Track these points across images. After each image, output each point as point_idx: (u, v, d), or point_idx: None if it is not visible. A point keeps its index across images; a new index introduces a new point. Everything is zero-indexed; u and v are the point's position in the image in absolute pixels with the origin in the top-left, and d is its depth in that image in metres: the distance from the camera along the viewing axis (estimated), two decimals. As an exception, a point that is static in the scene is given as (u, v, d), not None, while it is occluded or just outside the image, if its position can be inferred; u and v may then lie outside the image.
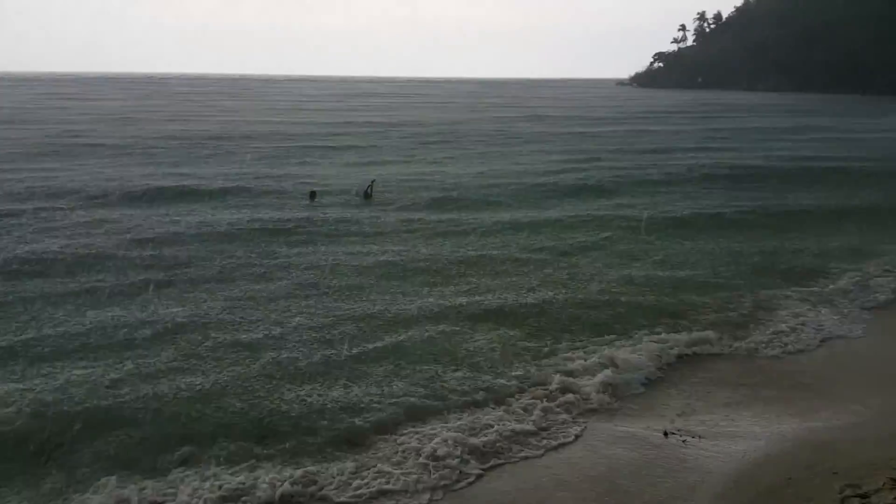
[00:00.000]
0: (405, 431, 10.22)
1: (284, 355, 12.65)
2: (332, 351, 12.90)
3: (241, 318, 14.59)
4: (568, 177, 34.76)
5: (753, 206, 27.72)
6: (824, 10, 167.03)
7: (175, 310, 14.92)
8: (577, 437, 10.26)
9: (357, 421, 10.38)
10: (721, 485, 8.88)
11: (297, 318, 14.61)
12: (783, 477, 8.89)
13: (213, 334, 13.60)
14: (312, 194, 28.68)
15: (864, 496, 8.12)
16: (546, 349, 13.27)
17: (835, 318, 15.24)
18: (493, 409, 10.96)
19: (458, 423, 10.43)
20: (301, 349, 12.99)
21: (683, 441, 10.03)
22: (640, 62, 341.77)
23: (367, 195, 29.01)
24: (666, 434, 10.22)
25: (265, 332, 13.77)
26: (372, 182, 29.85)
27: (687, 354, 13.21)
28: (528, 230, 23.29)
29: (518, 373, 12.19)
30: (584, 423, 10.67)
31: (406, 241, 21.75)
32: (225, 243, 20.84)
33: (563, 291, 16.64)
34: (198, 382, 11.53)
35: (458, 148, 48.17)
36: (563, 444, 10.06)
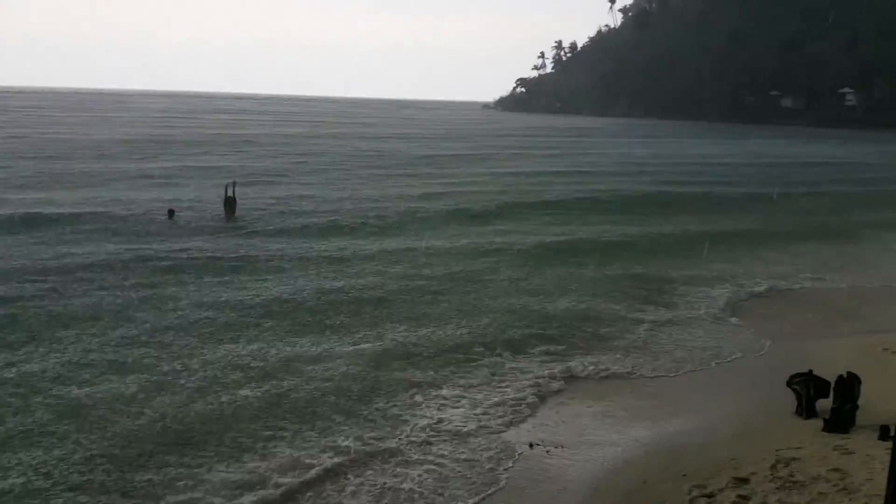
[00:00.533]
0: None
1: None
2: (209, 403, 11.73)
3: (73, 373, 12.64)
4: (445, 201, 34.70)
5: (624, 232, 28.55)
6: (667, 42, 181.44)
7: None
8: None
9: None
10: (582, 493, 9.18)
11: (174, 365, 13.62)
12: (639, 481, 9.33)
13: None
14: (171, 212, 27.45)
15: (710, 496, 8.66)
16: (434, 375, 13.33)
17: (691, 333, 16.30)
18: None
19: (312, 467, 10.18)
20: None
21: (547, 451, 10.32)
22: (504, 86, 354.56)
23: (230, 201, 28.13)
24: (531, 445, 10.48)
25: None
26: (233, 184, 28.79)
27: (560, 376, 13.55)
28: (407, 259, 22.52)
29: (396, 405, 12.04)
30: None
31: (282, 272, 20.31)
32: (77, 277, 18.67)
33: (451, 321, 16.33)
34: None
35: (334, 169, 47.57)
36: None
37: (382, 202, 33.31)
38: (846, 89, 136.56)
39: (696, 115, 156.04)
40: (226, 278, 19.27)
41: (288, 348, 14.14)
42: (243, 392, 11.99)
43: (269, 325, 15.55)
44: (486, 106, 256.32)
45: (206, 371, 12.76)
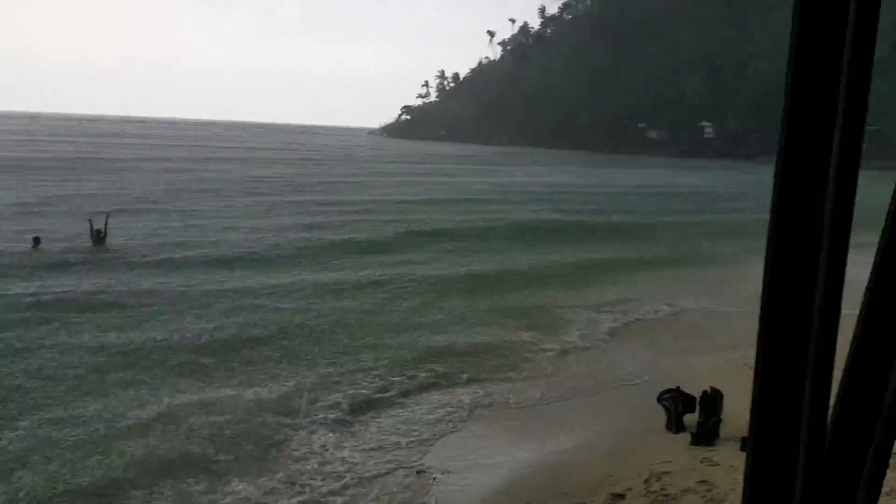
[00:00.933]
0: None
1: None
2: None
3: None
4: (336, 231, 34.19)
5: (514, 261, 28.99)
6: (545, 75, 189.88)
7: None
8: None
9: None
10: (469, 519, 9.30)
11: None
12: (522, 502, 9.55)
13: None
14: (36, 241, 25.82)
15: (588, 513, 9.01)
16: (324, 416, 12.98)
17: (576, 358, 16.92)
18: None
19: None
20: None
21: (434, 478, 10.38)
22: (390, 113, 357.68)
23: (98, 233, 26.62)
24: (419, 473, 10.52)
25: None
26: (105, 216, 27.27)
27: (454, 405, 13.67)
28: (295, 294, 21.76)
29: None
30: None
31: (157, 310, 19.06)
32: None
33: (341, 359, 15.95)
34: None
35: (217, 196, 45.97)
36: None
37: (268, 232, 32.48)
38: (704, 122, 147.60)
39: (574, 145, 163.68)
40: (94, 317, 17.99)
41: (164, 398, 13.25)
42: (120, 447, 11.22)
43: (141, 371, 14.58)
44: (372, 132, 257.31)
45: (71, 429, 11.87)
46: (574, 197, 56.55)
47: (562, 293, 23.48)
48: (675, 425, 11.78)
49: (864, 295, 1.09)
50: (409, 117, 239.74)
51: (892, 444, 1.10)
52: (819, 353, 1.02)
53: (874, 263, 1.08)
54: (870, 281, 1.07)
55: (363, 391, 14.00)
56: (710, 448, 10.77)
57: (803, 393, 1.04)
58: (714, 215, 48.41)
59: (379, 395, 13.87)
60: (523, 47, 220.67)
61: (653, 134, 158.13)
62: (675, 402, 11.85)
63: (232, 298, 20.85)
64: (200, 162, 76.22)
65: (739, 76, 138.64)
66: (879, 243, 1.06)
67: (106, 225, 26.96)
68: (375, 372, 15.13)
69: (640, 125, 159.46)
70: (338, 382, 14.47)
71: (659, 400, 12.16)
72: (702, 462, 10.15)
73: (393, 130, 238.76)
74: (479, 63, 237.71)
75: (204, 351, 16.06)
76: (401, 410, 13.23)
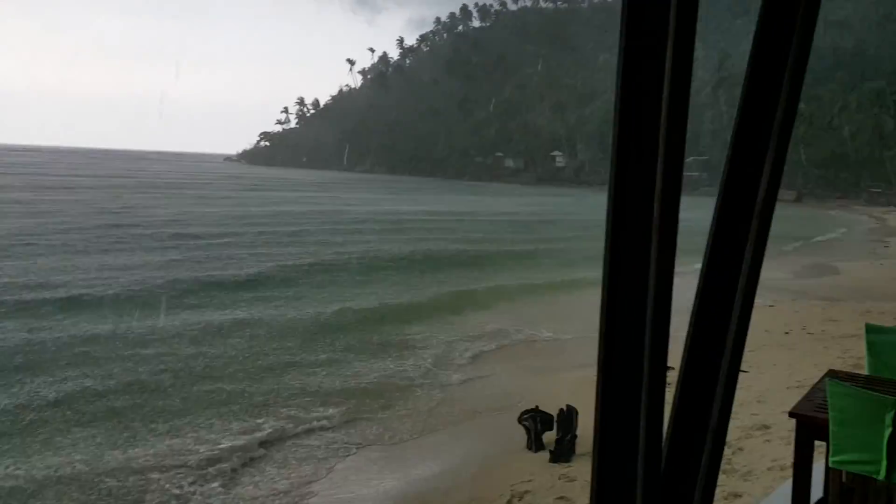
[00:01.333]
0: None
1: None
2: None
3: None
4: (191, 266, 32.35)
5: (380, 294, 28.25)
6: (405, 104, 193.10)
7: None
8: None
9: None
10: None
11: None
12: (388, 535, 9.43)
13: None
14: None
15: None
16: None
17: (441, 390, 16.98)
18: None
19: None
20: None
21: (296, 518, 10.03)
22: (249, 139, 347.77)
23: None
24: (281, 514, 10.12)
25: None
26: None
27: (326, 445, 13.29)
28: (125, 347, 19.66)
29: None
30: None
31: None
32: None
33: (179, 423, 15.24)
34: None
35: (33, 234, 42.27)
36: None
37: (106, 271, 30.37)
38: (556, 152, 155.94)
39: (435, 173, 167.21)
40: None
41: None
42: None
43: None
44: (228, 159, 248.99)
45: None
46: (430, 225, 57.36)
47: (428, 325, 23.33)
48: (534, 444, 12.13)
49: (690, 318, 1.17)
50: (268, 143, 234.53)
51: (721, 456, 1.17)
52: (652, 374, 1.08)
53: (696, 289, 1.15)
54: (694, 305, 1.15)
55: (222, 445, 13.08)
56: (568, 464, 11.18)
57: (639, 411, 1.09)
58: (563, 243, 50.34)
59: (237, 443, 13.21)
60: (383, 76, 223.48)
61: (510, 163, 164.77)
62: (535, 422, 12.22)
63: (54, 352, 18.45)
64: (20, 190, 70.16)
65: (585, 110, 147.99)
66: (701, 270, 1.14)
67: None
68: (239, 422, 14.31)
69: (498, 154, 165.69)
70: (197, 440, 13.70)
71: (519, 420, 12.49)
72: (560, 479, 10.50)
73: (252, 157, 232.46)
74: (340, 91, 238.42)
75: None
76: (261, 463, 12.54)
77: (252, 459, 12.45)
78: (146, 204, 64.74)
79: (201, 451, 12.36)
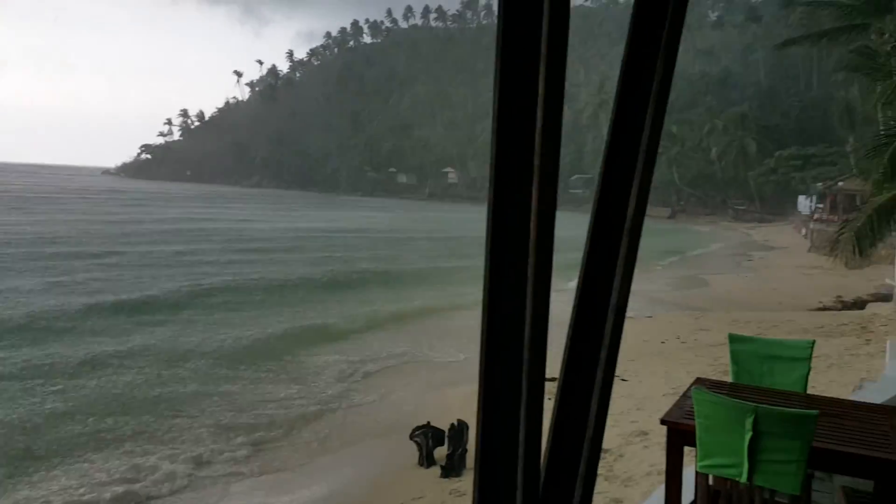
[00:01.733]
0: None
1: None
2: None
3: None
4: (76, 290, 30.38)
5: (267, 322, 26.74)
6: (295, 118, 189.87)
7: None
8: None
9: None
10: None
11: None
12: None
13: None
14: None
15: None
16: None
17: (328, 418, 16.62)
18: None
19: None
20: None
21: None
22: (129, 152, 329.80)
23: None
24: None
25: None
26: None
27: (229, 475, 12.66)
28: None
29: None
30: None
31: None
32: None
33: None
34: None
35: None
36: None
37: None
38: (448, 169, 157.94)
39: (326, 188, 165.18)
40: None
41: None
42: None
43: None
44: (106, 172, 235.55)
45: None
46: (316, 243, 56.10)
47: (317, 349, 22.58)
48: (426, 460, 12.13)
49: (568, 331, 1.21)
50: (149, 156, 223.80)
51: (598, 463, 1.21)
52: (530, 386, 1.10)
53: (573, 302, 1.20)
54: (571, 319, 1.19)
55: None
56: (458, 479, 11.24)
57: (519, 422, 1.11)
58: (461, 261, 50.40)
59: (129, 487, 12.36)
60: (273, 89, 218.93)
61: (403, 178, 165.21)
62: (426, 438, 12.23)
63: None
64: None
65: (476, 127, 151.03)
66: (577, 285, 1.19)
67: None
68: (133, 461, 13.35)
69: (391, 170, 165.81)
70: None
71: (411, 437, 12.47)
72: (450, 494, 10.54)
73: (132, 170, 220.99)
74: (227, 103, 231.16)
75: None
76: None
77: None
78: (16, 220, 60.04)
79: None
